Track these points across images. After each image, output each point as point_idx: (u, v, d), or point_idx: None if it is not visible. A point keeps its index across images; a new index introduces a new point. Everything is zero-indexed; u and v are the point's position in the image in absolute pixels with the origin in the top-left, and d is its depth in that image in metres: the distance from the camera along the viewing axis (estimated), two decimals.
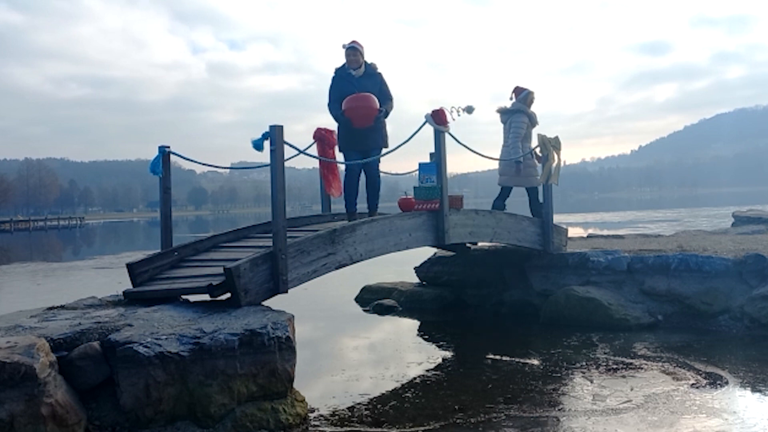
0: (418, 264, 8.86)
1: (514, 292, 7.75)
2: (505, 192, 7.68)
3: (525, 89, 7.74)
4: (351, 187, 6.25)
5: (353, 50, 6.09)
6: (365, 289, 8.96)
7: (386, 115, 6.12)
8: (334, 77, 6.25)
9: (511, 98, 7.79)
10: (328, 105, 6.17)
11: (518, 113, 7.55)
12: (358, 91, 6.00)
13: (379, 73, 6.18)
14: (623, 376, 4.74)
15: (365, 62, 6.15)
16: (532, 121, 7.61)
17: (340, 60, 6.23)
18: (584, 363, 5.16)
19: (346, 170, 6.28)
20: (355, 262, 5.28)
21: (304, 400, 4.08)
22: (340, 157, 6.90)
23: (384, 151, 6.13)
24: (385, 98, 6.09)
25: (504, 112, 7.70)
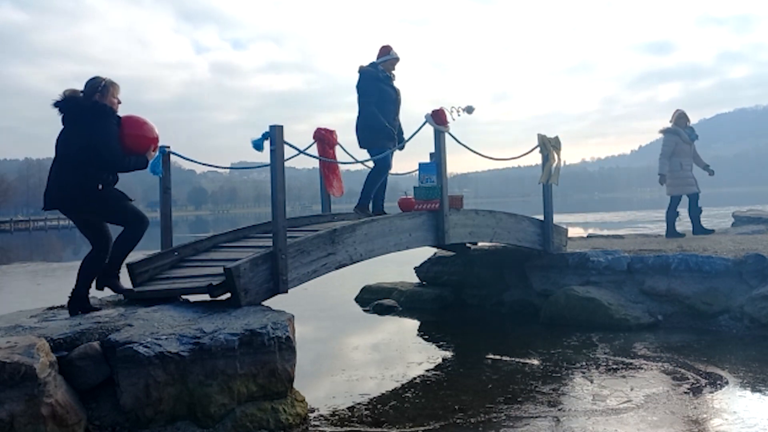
0: (418, 264, 8.86)
1: (514, 292, 7.75)
2: (674, 202, 8.95)
3: (678, 110, 9.03)
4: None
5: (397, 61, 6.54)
6: (365, 289, 8.95)
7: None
8: (372, 76, 6.40)
9: (670, 120, 9.04)
10: (372, 103, 6.29)
11: (668, 133, 8.86)
12: (397, 96, 6.49)
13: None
14: (623, 376, 4.74)
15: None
16: (682, 137, 8.80)
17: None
18: (584, 363, 5.16)
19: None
20: (355, 262, 5.28)
21: (304, 400, 4.08)
22: (339, 157, 6.91)
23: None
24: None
25: (663, 132, 8.99)
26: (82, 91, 4.31)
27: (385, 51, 6.54)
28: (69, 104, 4.26)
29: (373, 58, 6.50)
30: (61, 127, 4.32)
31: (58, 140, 4.32)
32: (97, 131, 4.18)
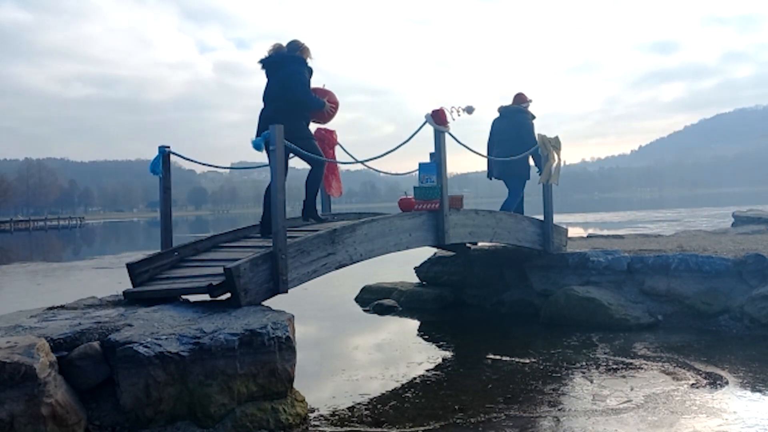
0: (418, 264, 8.86)
1: (514, 292, 7.75)
2: None
3: None
4: None
5: None
6: (365, 289, 8.96)
7: None
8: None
9: None
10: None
11: None
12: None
13: None
14: (623, 376, 4.74)
15: None
16: None
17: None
18: (584, 363, 5.16)
19: None
20: (355, 262, 5.28)
21: (304, 400, 4.08)
22: (340, 157, 6.91)
23: (383, 151, 6.13)
24: None
25: None
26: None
27: (526, 98, 7.94)
28: (275, 55, 5.49)
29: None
30: (265, 81, 5.56)
31: (264, 92, 5.55)
32: (294, 74, 5.38)
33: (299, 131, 5.39)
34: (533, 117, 7.89)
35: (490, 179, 8.13)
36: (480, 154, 6.92)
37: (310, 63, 5.63)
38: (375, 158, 6.18)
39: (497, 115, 8.00)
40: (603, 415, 3.93)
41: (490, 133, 7.98)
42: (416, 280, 8.90)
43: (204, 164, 6.36)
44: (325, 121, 6.09)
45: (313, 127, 6.04)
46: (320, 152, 5.67)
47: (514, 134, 7.57)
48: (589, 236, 10.98)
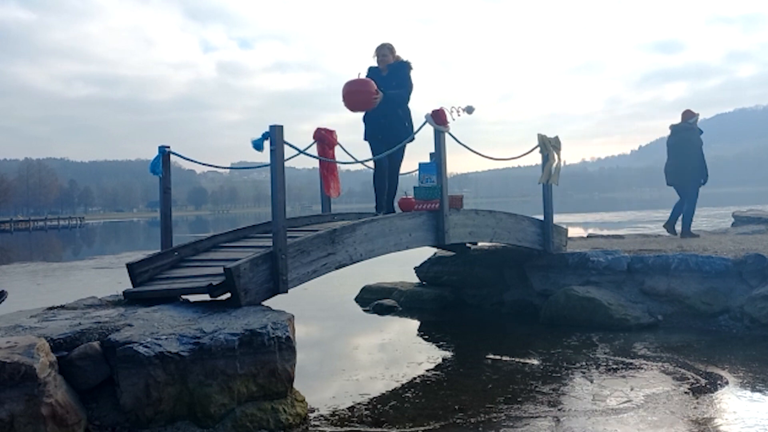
0: (418, 264, 8.86)
1: (514, 292, 7.75)
2: None
3: None
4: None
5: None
6: (365, 289, 8.96)
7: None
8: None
9: None
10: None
11: None
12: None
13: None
14: (623, 376, 4.74)
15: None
16: None
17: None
18: (584, 363, 5.16)
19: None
20: (355, 262, 5.28)
21: (304, 400, 4.08)
22: (339, 157, 6.90)
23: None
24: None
25: None
26: None
27: (693, 113, 8.93)
28: None
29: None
30: None
31: None
32: None
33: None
34: (701, 132, 8.97)
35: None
36: (480, 154, 6.90)
37: (380, 57, 6.40)
38: (375, 158, 6.19)
39: (669, 132, 9.16)
40: (603, 415, 3.93)
41: (667, 148, 9.29)
42: (416, 280, 8.90)
43: (204, 164, 6.36)
44: (362, 110, 6.28)
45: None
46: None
47: (683, 149, 8.81)
48: (589, 236, 10.97)
